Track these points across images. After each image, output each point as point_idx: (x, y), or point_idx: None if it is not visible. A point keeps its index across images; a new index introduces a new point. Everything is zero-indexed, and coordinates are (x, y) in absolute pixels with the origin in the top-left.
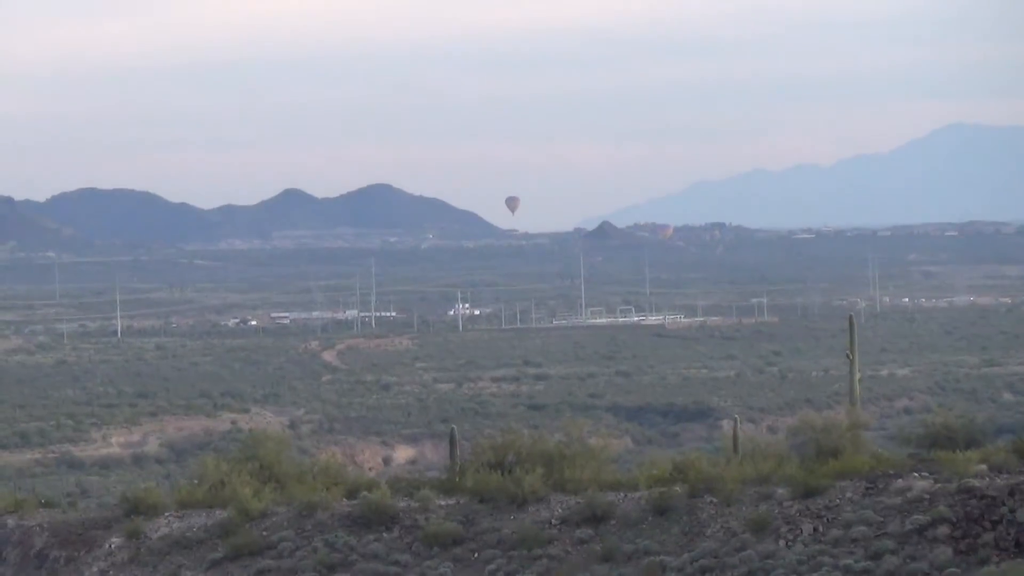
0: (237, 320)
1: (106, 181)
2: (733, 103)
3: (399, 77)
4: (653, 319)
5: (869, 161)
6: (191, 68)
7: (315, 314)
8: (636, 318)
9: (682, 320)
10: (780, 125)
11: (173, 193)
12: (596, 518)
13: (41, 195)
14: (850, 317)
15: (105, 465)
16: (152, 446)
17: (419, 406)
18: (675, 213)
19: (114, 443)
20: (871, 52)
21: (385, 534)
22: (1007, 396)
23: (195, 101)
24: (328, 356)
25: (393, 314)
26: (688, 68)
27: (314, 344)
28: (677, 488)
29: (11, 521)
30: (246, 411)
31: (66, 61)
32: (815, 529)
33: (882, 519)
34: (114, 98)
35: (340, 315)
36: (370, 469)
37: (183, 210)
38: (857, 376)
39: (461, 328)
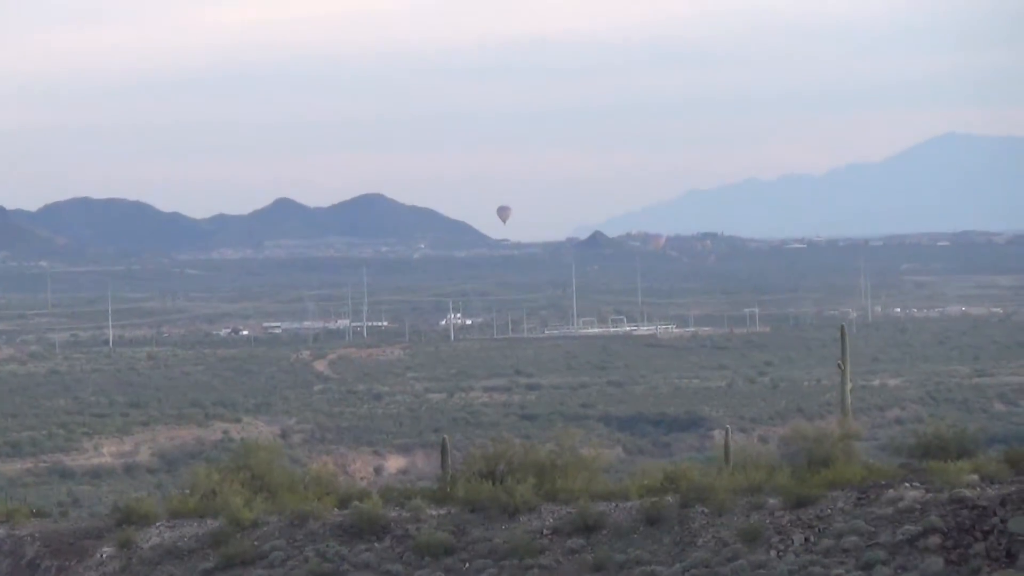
0: (229, 329)
1: (98, 190)
2: (725, 112)
3: (391, 87)
4: (645, 329)
5: (861, 170)
6: (184, 78)
7: (307, 324)
8: (628, 328)
9: (674, 330)
10: (772, 134)
11: (165, 203)
12: (588, 528)
13: (33, 204)
14: (842, 327)
15: (97, 475)
16: (144, 456)
17: (410, 416)
18: (667, 222)
19: (105, 453)
20: (863, 62)
21: (376, 544)
22: (999, 406)
23: (187, 111)
24: (320, 366)
25: (385, 324)
26: (680, 77)
27: (306, 354)
28: (669, 498)
29: (2, 530)
30: (237, 421)
31: (59, 71)
32: (806, 539)
33: (873, 529)
34: (107, 108)
35: (332, 325)
36: (361, 479)
37: (175, 219)
38: (849, 386)
39: (453, 338)
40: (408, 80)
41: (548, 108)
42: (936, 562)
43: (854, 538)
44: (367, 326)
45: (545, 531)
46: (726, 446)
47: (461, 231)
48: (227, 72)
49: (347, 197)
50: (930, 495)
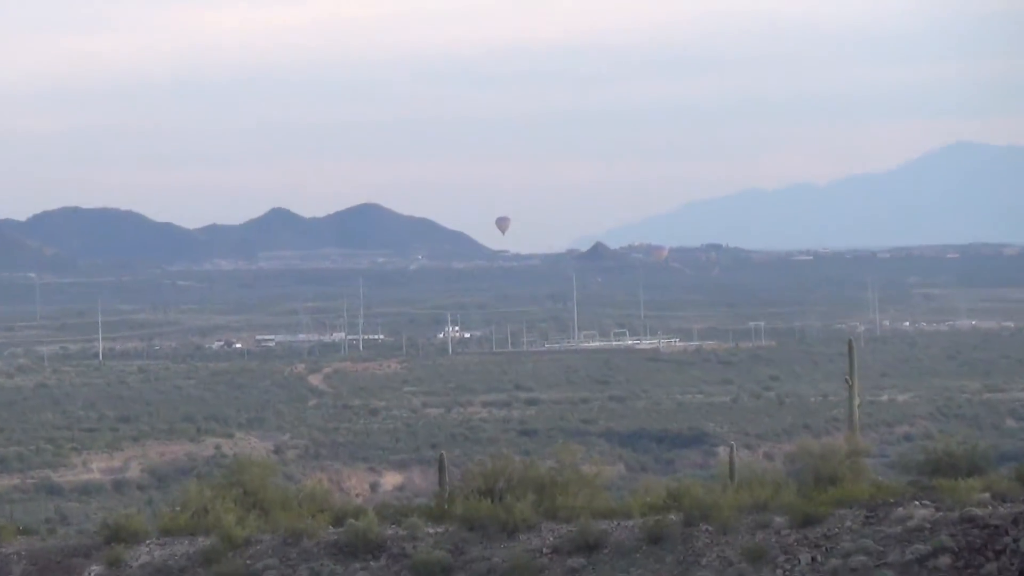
0: (221, 342)
1: (89, 200)
2: (728, 120)
3: (389, 94)
4: (647, 343)
5: (868, 181)
6: (176, 85)
7: (301, 336)
8: (630, 342)
9: (677, 344)
10: (776, 143)
11: (157, 212)
12: (589, 547)
13: (22, 214)
14: (849, 341)
15: (85, 491)
16: (134, 471)
17: (407, 431)
18: (670, 233)
19: (95, 468)
20: (871, 69)
21: (372, 563)
22: (1010, 422)
23: (180, 118)
24: (314, 380)
25: (381, 337)
26: (682, 85)
27: (300, 367)
28: (672, 516)
29: None
30: (230, 436)
31: (48, 78)
32: (813, 559)
33: (882, 548)
34: (97, 115)
35: (327, 338)
36: (357, 496)
37: (167, 230)
38: (856, 401)
39: (451, 351)
40: (406, 86)
41: (548, 116)
42: None
43: (862, 558)
44: (363, 339)
45: (545, 550)
46: (731, 463)
47: (459, 242)
48: (220, 78)
49: (343, 207)
50: (940, 514)
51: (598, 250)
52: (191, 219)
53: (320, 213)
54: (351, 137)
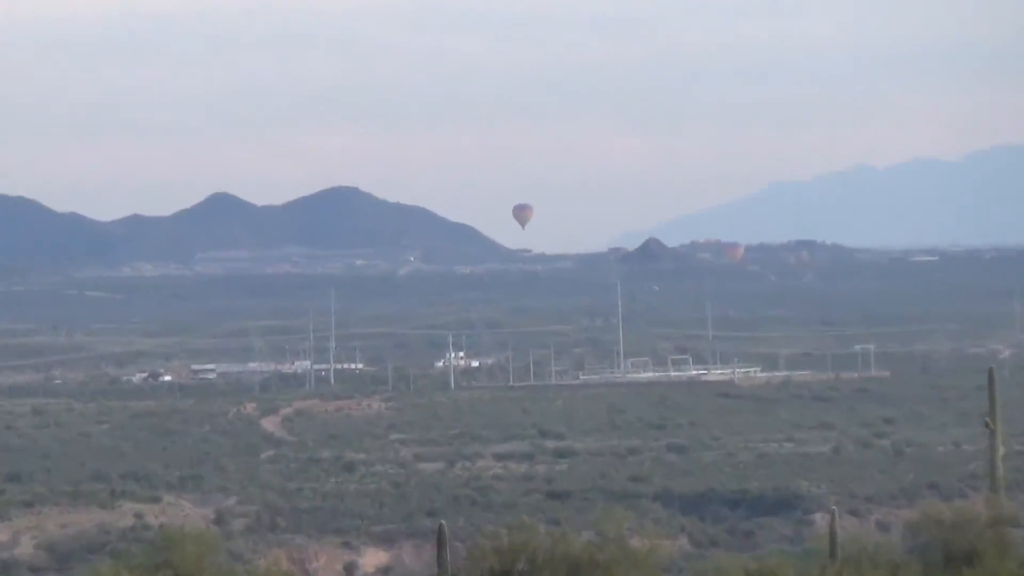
0: (145, 374)
1: None
2: (826, 77)
3: (367, 46)
4: (718, 373)
5: (1012, 155)
6: (86, 35)
7: (252, 366)
8: (694, 372)
9: (758, 375)
10: (892, 107)
11: (60, 200)
12: None
13: None
14: (990, 370)
15: None
16: (25, 548)
17: (395, 493)
18: (747, 227)
19: None
20: (1016, 12)
21: None
22: None
23: (92, 79)
24: (270, 424)
25: (360, 366)
26: (762, 30)
27: (251, 407)
28: None
29: None
30: (156, 500)
31: None
32: None
33: None
34: None
35: (286, 368)
36: None
37: (73, 223)
38: (1001, 452)
39: (453, 385)
40: (391, 37)
41: (581, 72)
42: None
43: None
44: (335, 369)
45: None
46: (832, 535)
47: (464, 238)
48: (146, 27)
49: (308, 191)
50: None
51: (650, 249)
52: (105, 209)
53: (277, 200)
54: (318, 102)
